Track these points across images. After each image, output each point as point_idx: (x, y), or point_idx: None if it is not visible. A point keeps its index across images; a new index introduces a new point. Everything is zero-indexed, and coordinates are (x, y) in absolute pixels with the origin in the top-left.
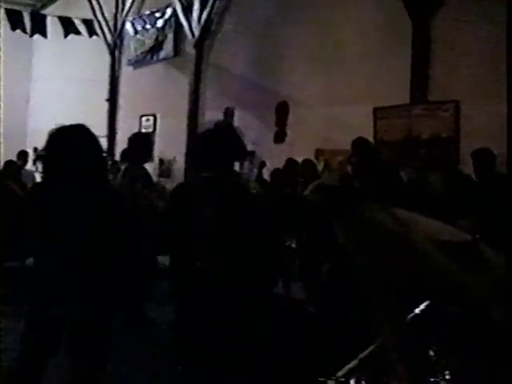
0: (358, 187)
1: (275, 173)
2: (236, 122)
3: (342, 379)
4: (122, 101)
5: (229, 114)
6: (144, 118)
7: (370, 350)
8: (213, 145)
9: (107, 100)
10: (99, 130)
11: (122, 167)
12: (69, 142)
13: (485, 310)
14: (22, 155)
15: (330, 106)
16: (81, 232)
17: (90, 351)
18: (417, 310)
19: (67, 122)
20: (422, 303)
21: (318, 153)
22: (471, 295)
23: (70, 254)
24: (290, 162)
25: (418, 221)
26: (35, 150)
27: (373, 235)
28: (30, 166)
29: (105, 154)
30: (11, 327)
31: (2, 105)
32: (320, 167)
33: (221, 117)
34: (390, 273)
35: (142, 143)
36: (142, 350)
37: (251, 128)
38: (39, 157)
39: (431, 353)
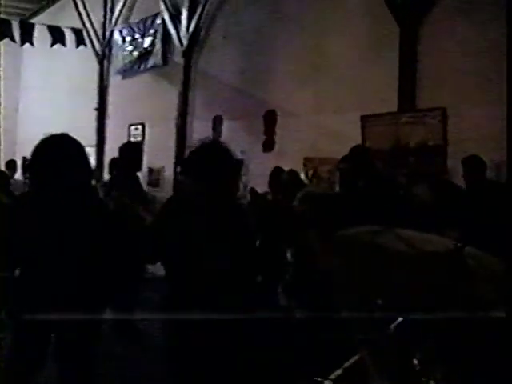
0: (343, 195)
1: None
2: (224, 131)
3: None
4: (110, 110)
5: (217, 122)
6: (133, 127)
7: (353, 359)
8: (208, 159)
9: (96, 109)
10: (88, 139)
11: (106, 178)
12: (53, 151)
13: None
14: (11, 165)
15: (318, 114)
16: (68, 241)
17: (76, 357)
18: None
19: (56, 131)
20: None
21: (307, 161)
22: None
23: (56, 263)
24: (276, 170)
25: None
26: (24, 159)
27: (376, 257)
28: (19, 175)
29: (90, 163)
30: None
31: None
32: (309, 176)
33: (210, 125)
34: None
35: (132, 153)
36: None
37: (239, 137)
38: (26, 166)
39: (415, 361)
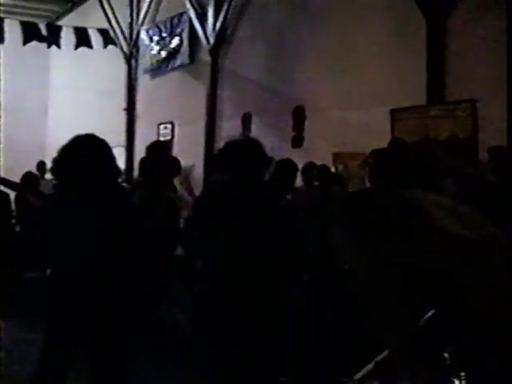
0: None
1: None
2: (253, 128)
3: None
4: (139, 109)
5: (246, 120)
6: (162, 126)
7: (385, 353)
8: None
9: (125, 109)
10: (117, 139)
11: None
12: (80, 152)
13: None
14: (41, 166)
15: (347, 109)
16: (96, 240)
17: (106, 356)
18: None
19: (85, 132)
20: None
21: (336, 156)
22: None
23: (84, 262)
24: (309, 165)
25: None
26: (54, 160)
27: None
28: (48, 176)
29: (116, 163)
30: (31, 338)
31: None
32: (339, 171)
33: (238, 123)
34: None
35: (160, 151)
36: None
37: (268, 133)
38: (53, 167)
39: (446, 355)
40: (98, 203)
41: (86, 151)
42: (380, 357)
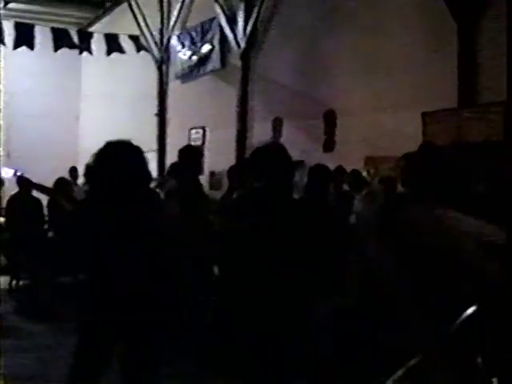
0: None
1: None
2: (284, 132)
3: None
4: (170, 114)
5: (277, 124)
6: (193, 131)
7: (417, 357)
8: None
9: (156, 114)
10: (149, 144)
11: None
12: (112, 158)
13: None
14: (73, 172)
15: (378, 112)
16: (129, 245)
17: (142, 360)
18: (462, 317)
19: (117, 138)
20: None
21: (368, 160)
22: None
23: (120, 267)
24: (339, 170)
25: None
26: (87, 166)
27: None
28: (81, 182)
29: (148, 169)
30: (62, 342)
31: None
32: (371, 174)
33: (269, 127)
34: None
35: (191, 156)
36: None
37: (300, 138)
38: (86, 173)
39: (479, 360)
40: (130, 209)
41: (118, 157)
42: (412, 361)
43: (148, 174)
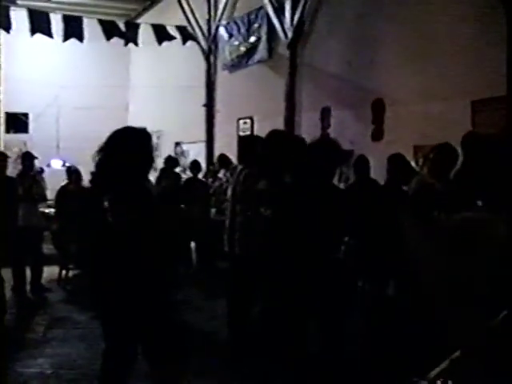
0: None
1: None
2: (333, 122)
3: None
4: (218, 105)
5: (325, 113)
6: (241, 121)
7: (459, 352)
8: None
9: (204, 105)
10: (198, 135)
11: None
12: (113, 145)
13: None
14: None
15: (427, 101)
16: (128, 235)
17: (163, 355)
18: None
19: (165, 129)
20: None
21: (417, 149)
22: None
23: (121, 258)
24: (396, 156)
25: None
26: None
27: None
28: None
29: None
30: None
31: None
32: (420, 164)
33: (317, 117)
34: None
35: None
36: None
37: (348, 127)
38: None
39: None
40: (129, 197)
41: (118, 144)
42: (455, 355)
43: (147, 160)
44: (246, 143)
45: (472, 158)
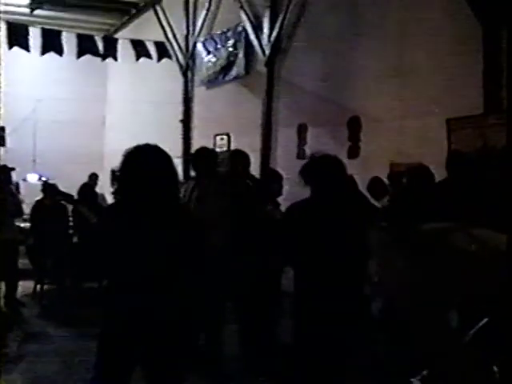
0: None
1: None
2: (309, 139)
3: None
4: (195, 121)
5: (302, 130)
6: (218, 137)
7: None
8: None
9: (181, 120)
10: (174, 150)
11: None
12: (144, 161)
13: None
14: (93, 177)
15: (403, 119)
16: (155, 253)
17: (167, 374)
18: (476, 327)
19: (142, 143)
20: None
21: (393, 167)
22: None
23: (144, 275)
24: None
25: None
26: (113, 171)
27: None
28: (99, 188)
29: (177, 175)
30: (85, 347)
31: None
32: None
33: (294, 133)
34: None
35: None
36: None
37: (324, 144)
38: (115, 177)
39: (495, 368)
40: (160, 215)
41: (149, 161)
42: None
43: (177, 179)
44: (200, 155)
45: (456, 176)
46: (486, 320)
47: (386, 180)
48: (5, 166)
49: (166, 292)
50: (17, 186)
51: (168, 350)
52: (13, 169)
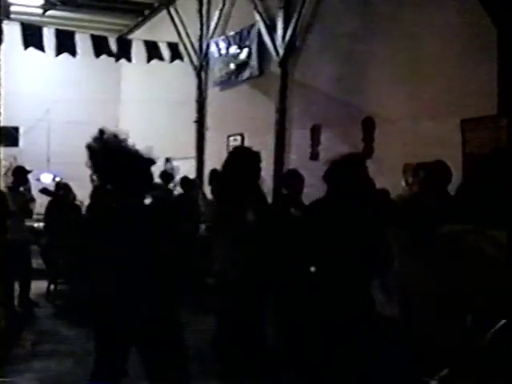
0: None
1: None
2: (323, 139)
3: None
4: (209, 122)
5: (316, 131)
6: (231, 138)
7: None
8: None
9: (195, 121)
10: (188, 151)
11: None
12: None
13: None
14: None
15: (417, 119)
16: (130, 251)
17: (162, 364)
18: (495, 328)
19: (156, 145)
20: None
21: (406, 167)
22: None
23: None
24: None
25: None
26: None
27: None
28: None
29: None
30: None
31: None
32: (409, 182)
33: (308, 134)
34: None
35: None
36: None
37: (338, 145)
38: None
39: None
40: (132, 207)
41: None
42: (443, 373)
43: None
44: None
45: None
46: (503, 321)
47: (403, 183)
48: (21, 167)
49: (148, 287)
50: (28, 186)
51: (160, 341)
52: (29, 171)
